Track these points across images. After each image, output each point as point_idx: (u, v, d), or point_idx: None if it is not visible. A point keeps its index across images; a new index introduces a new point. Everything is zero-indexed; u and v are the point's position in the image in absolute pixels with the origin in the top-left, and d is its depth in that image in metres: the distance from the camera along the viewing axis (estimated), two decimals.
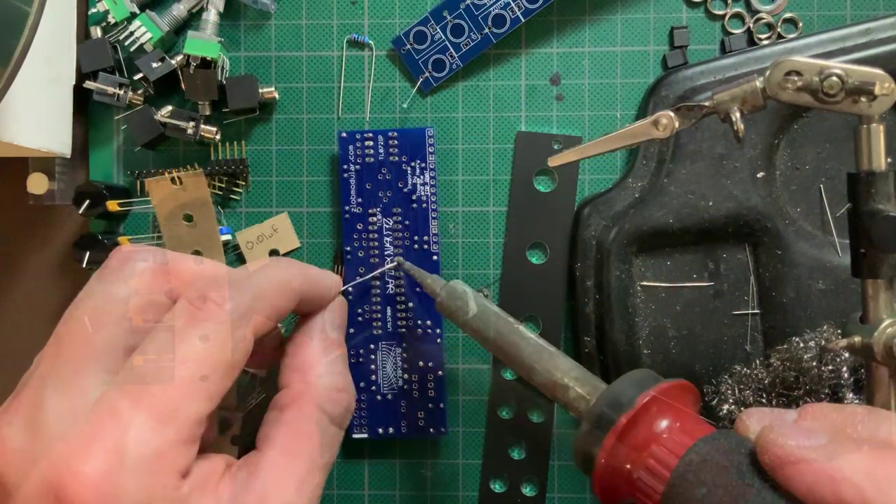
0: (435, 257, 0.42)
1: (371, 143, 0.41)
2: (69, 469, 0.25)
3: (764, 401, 0.38)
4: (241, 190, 0.43)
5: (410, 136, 0.41)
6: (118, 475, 0.25)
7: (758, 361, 0.39)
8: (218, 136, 0.42)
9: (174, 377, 0.27)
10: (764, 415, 0.27)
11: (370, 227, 0.42)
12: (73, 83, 0.42)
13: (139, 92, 0.42)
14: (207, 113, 0.42)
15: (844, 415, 0.26)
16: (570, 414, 0.32)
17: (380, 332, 0.42)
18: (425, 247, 0.42)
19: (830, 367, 0.36)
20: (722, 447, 0.26)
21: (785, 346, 0.38)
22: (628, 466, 0.28)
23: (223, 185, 0.43)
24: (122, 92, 0.41)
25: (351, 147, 0.42)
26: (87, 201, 0.41)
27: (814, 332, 0.38)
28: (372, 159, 0.42)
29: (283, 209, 0.43)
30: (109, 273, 0.30)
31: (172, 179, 0.42)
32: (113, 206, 0.41)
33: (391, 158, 0.41)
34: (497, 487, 0.43)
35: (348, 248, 0.42)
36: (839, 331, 0.38)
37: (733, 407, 0.38)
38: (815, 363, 0.37)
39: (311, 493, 0.30)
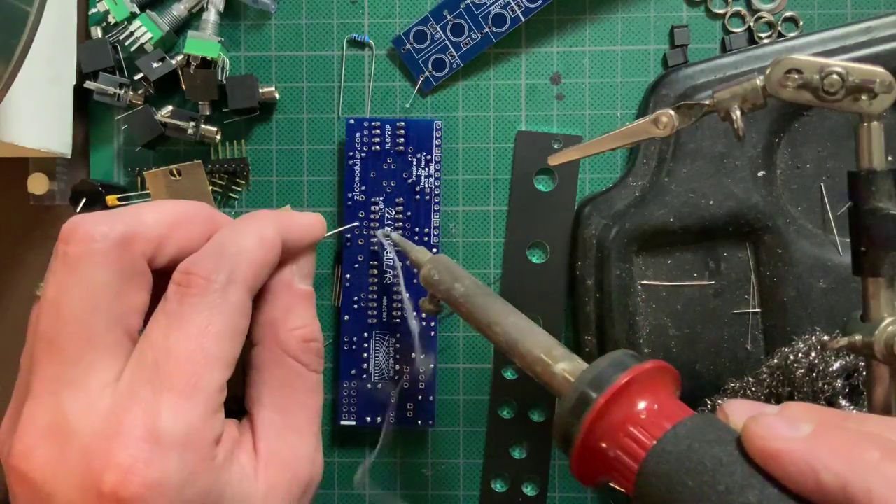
0: (435, 251, 0.42)
1: (378, 131, 0.42)
2: (109, 463, 0.25)
3: None
4: (241, 189, 0.43)
5: (418, 128, 0.42)
6: (159, 459, 0.25)
7: (749, 379, 0.38)
8: (218, 136, 0.42)
9: (184, 356, 0.27)
10: (745, 406, 0.27)
11: (372, 216, 0.42)
12: (74, 83, 0.42)
13: (139, 92, 0.42)
14: (208, 113, 0.42)
15: (830, 412, 0.26)
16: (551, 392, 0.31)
17: (374, 321, 0.42)
18: (426, 239, 0.42)
19: (821, 383, 0.36)
20: (702, 432, 0.26)
21: (776, 362, 0.38)
22: (604, 445, 0.27)
23: (224, 185, 0.43)
24: (122, 92, 0.41)
25: (358, 134, 0.42)
26: (84, 199, 0.41)
27: (801, 339, 0.38)
28: (378, 148, 0.42)
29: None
30: (75, 261, 0.28)
31: (171, 172, 0.41)
32: (112, 200, 0.41)
33: (397, 148, 0.41)
34: (498, 487, 0.43)
35: (348, 237, 0.42)
36: (826, 336, 0.38)
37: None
38: (806, 379, 0.37)
39: (313, 437, 0.31)
